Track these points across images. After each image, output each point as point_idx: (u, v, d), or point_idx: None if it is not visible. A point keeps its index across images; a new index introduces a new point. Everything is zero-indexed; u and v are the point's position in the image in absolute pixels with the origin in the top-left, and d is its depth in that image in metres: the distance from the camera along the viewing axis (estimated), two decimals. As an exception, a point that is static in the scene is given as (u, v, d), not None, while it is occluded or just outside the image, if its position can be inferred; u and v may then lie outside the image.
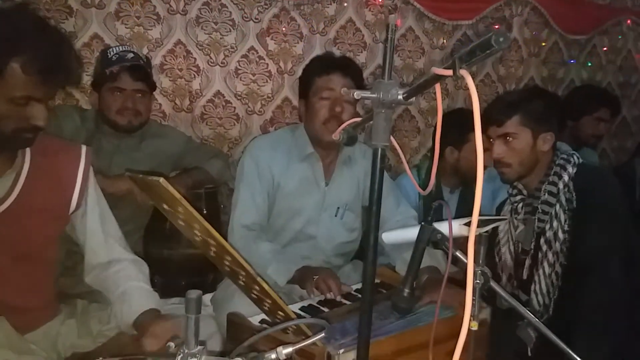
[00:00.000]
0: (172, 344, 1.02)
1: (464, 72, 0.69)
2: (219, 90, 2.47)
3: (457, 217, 1.32)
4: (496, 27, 2.96)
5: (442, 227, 1.24)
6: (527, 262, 1.77)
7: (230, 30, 2.43)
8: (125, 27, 2.26)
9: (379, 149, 0.89)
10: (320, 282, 1.66)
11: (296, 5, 2.52)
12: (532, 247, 1.75)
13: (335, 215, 2.01)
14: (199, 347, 0.87)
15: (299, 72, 2.54)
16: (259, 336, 1.00)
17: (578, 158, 1.74)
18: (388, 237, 1.72)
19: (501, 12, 2.99)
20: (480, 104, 0.68)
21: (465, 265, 0.76)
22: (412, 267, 1.26)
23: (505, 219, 1.86)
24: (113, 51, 1.95)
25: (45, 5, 2.11)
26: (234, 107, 2.51)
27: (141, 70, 1.95)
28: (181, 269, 2.11)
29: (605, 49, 3.44)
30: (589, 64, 3.41)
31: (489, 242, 1.83)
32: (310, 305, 1.63)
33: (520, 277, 1.79)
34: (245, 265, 1.17)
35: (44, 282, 1.46)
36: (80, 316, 1.49)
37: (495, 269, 1.86)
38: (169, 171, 2.14)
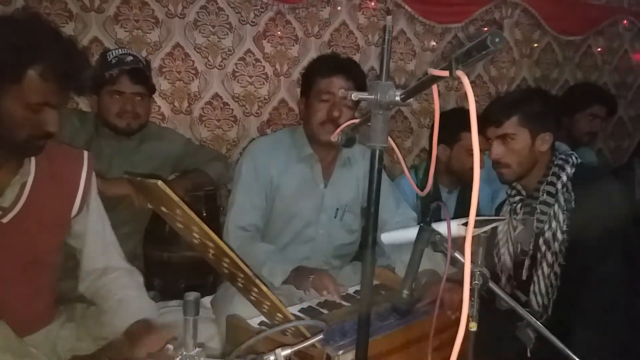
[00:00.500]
0: (170, 346, 1.01)
1: (460, 73, 0.70)
2: (216, 93, 2.48)
3: (455, 218, 1.32)
4: (485, 29, 2.97)
5: (441, 227, 1.25)
6: (526, 262, 1.77)
7: (227, 34, 2.45)
8: (125, 31, 2.27)
9: (377, 150, 0.89)
10: (316, 282, 1.66)
11: (291, 9, 2.53)
12: (531, 247, 1.75)
13: (335, 217, 2.01)
14: (198, 349, 0.87)
15: (295, 74, 2.56)
16: (257, 338, 1.00)
17: (576, 158, 1.74)
18: (387, 238, 1.72)
19: (491, 15, 3.01)
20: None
21: (463, 266, 0.76)
22: (411, 269, 1.26)
23: (504, 219, 1.86)
24: (112, 54, 1.95)
25: (46, 9, 2.12)
26: (232, 109, 2.52)
27: (140, 73, 1.95)
28: (180, 271, 2.12)
29: (599, 49, 3.44)
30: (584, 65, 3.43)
31: (488, 243, 1.84)
32: (309, 307, 1.63)
33: (520, 277, 1.79)
34: (244, 267, 1.17)
35: (47, 287, 1.47)
36: (80, 319, 1.49)
37: (495, 270, 1.86)
38: (169, 173, 2.14)
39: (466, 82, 0.69)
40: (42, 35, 1.22)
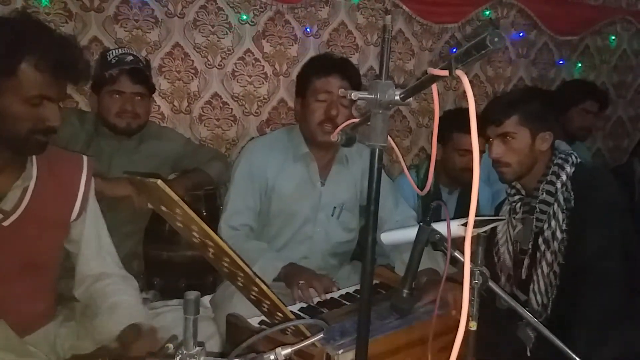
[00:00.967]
0: (170, 345, 1.02)
1: (459, 73, 0.70)
2: (216, 92, 2.48)
3: (455, 218, 1.32)
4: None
5: (441, 227, 1.25)
6: (526, 261, 1.77)
7: (226, 33, 2.45)
8: (124, 30, 2.27)
9: (377, 150, 0.90)
10: (304, 289, 1.64)
11: (290, 9, 2.53)
12: (531, 246, 1.75)
13: (332, 215, 2.01)
14: (198, 348, 0.87)
15: (294, 74, 2.56)
16: (257, 337, 1.00)
17: (576, 157, 1.74)
18: (387, 237, 1.72)
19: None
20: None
21: (463, 266, 0.77)
22: (411, 268, 1.26)
23: (504, 219, 1.86)
24: (112, 54, 1.95)
25: (45, 9, 2.12)
26: (231, 109, 2.52)
27: (140, 73, 1.95)
28: (180, 270, 2.12)
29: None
30: (579, 65, 3.41)
31: (487, 243, 1.84)
32: (309, 306, 1.63)
33: (519, 276, 1.79)
34: (244, 266, 1.18)
35: (46, 287, 1.47)
36: (79, 318, 1.49)
37: (494, 269, 1.86)
38: (169, 173, 2.14)
39: (466, 81, 0.69)
40: (31, 28, 1.24)
